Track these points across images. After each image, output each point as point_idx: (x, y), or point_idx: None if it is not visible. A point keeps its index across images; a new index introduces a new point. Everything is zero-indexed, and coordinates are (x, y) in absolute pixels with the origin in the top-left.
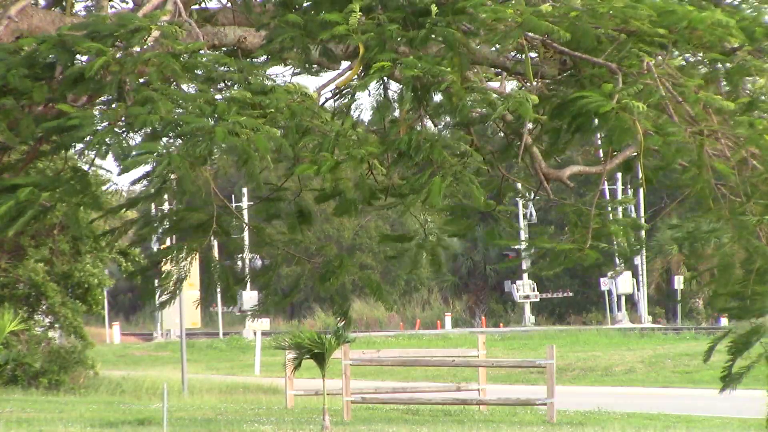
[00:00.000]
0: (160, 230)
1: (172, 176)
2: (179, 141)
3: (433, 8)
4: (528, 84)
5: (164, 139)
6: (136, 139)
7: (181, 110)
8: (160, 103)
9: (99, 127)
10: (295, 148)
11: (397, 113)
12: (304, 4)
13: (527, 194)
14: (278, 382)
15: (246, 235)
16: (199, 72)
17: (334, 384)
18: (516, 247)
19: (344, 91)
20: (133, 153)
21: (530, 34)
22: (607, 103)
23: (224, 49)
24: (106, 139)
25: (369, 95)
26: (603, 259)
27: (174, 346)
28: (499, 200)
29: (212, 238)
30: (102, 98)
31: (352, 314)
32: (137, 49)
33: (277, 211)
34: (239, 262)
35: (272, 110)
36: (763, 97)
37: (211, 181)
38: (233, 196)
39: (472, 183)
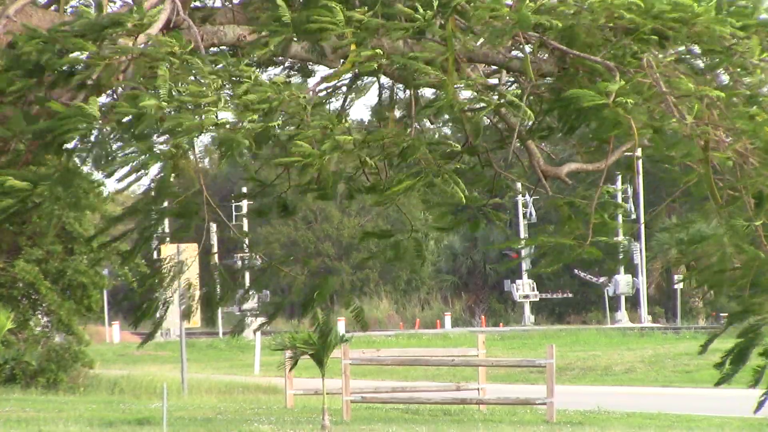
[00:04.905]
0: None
1: (157, 168)
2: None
3: (419, 7)
4: (523, 80)
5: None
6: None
7: (166, 106)
8: (147, 99)
9: (83, 126)
10: (280, 136)
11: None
12: None
13: (527, 193)
14: (278, 382)
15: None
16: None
17: (333, 383)
18: (516, 246)
19: (333, 87)
20: (119, 155)
21: (529, 32)
22: (600, 98)
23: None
24: (92, 138)
25: (358, 90)
26: (602, 256)
27: (174, 345)
28: (493, 198)
29: (212, 238)
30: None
31: (350, 315)
32: (130, 44)
33: (262, 208)
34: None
35: (258, 103)
36: (764, 90)
37: (198, 183)
38: (232, 195)
39: (452, 182)
